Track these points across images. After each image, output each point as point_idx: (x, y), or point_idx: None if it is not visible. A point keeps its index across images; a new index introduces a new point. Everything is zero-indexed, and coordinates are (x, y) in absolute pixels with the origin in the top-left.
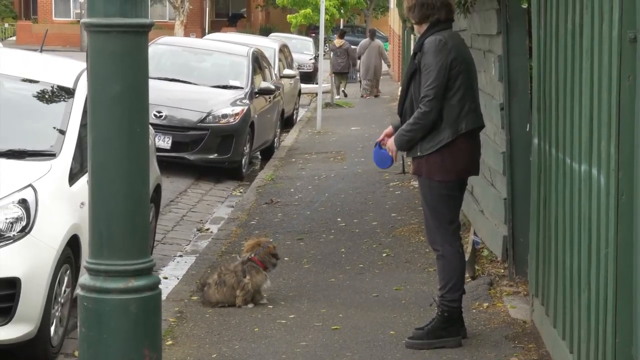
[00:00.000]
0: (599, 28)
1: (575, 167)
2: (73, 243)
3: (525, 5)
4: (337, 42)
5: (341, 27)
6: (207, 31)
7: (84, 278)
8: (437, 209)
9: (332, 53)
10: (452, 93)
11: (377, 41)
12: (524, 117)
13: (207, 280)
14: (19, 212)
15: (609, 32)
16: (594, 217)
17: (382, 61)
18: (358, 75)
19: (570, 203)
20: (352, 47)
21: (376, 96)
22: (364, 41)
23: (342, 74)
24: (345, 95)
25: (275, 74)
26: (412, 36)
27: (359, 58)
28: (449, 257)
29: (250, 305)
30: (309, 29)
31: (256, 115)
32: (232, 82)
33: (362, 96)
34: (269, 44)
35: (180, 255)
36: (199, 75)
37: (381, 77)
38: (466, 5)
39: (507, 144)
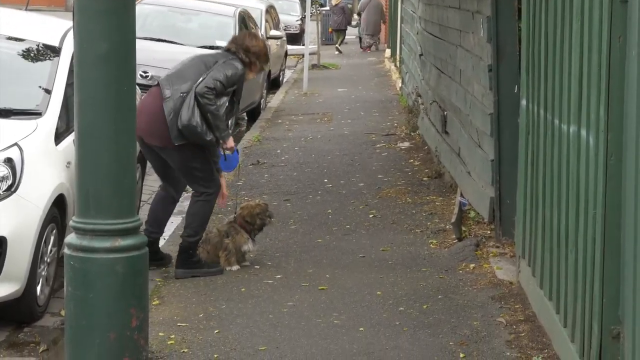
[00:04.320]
0: None
1: (564, 128)
2: (59, 202)
3: None
4: (334, 0)
5: None
6: None
7: (70, 237)
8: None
9: (330, 11)
10: None
11: None
12: (513, 78)
13: None
14: (4, 171)
15: None
16: (583, 178)
17: (382, 18)
18: (358, 31)
19: (559, 164)
20: (348, 5)
21: (376, 49)
22: None
23: (339, 31)
24: (340, 52)
25: (262, 35)
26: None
27: (359, 15)
28: None
29: (235, 268)
30: None
31: None
32: (218, 43)
33: (362, 49)
34: (256, 5)
35: None
36: (185, 35)
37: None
38: None
39: (495, 106)
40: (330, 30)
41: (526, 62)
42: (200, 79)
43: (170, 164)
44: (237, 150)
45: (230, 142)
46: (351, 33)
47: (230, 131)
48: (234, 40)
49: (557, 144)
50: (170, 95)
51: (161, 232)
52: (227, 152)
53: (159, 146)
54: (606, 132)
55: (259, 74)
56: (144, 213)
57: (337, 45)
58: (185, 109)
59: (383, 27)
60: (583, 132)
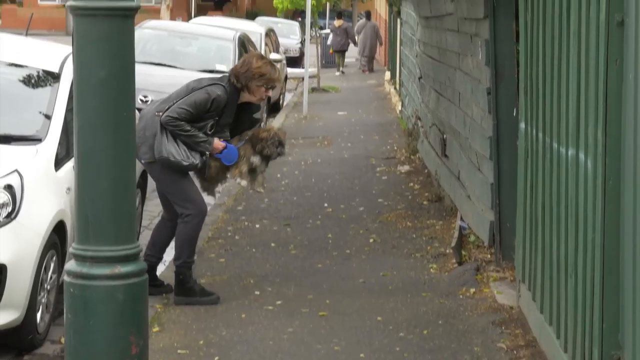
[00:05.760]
0: (587, 11)
1: (563, 152)
2: (59, 229)
3: None
4: (337, 22)
5: (327, 11)
6: (193, 15)
7: (70, 264)
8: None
9: (332, 33)
10: None
11: (373, 22)
12: (511, 101)
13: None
14: (4, 197)
15: (596, 16)
16: (581, 202)
17: (377, 40)
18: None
19: (558, 188)
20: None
21: (371, 71)
22: (361, 21)
23: (341, 52)
24: (343, 73)
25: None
26: (398, 20)
27: (355, 37)
28: None
29: (243, 182)
30: (295, 14)
31: None
32: (218, 67)
33: (361, 70)
34: (255, 29)
35: None
36: (185, 59)
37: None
38: None
39: (494, 129)
40: (331, 51)
41: (524, 85)
42: (171, 104)
43: None
44: (229, 147)
45: (216, 145)
46: (350, 55)
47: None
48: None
49: (556, 167)
50: (144, 113)
51: (159, 256)
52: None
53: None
54: (604, 156)
55: (266, 94)
56: (144, 239)
57: (340, 67)
58: (157, 140)
59: (380, 49)
60: (581, 156)
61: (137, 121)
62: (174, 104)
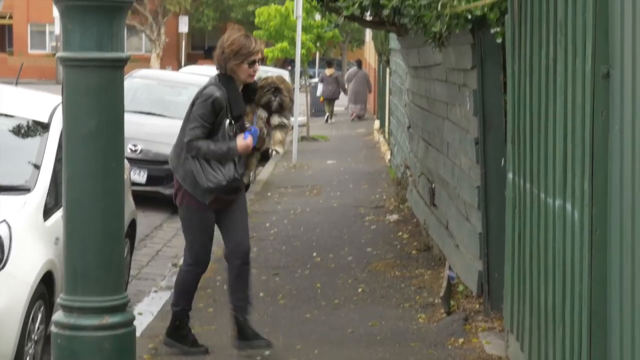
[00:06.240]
0: (573, 63)
1: (550, 202)
2: (47, 279)
3: (499, 40)
4: (328, 71)
5: (317, 60)
6: (183, 64)
7: (57, 315)
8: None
9: (323, 81)
10: None
11: (364, 70)
12: (499, 151)
13: None
14: None
15: (582, 68)
16: (568, 253)
17: (368, 88)
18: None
19: (545, 238)
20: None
21: (360, 118)
22: (352, 70)
23: (331, 100)
24: (332, 122)
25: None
26: (387, 69)
27: (345, 86)
28: None
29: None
30: (285, 62)
31: None
32: None
33: (350, 118)
34: None
35: (155, 291)
36: (174, 108)
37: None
38: (441, 39)
39: (482, 178)
40: (321, 99)
41: (512, 135)
42: (184, 132)
43: None
44: (250, 131)
45: (241, 144)
46: (340, 104)
47: (228, 145)
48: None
49: (543, 217)
50: (171, 160)
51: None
52: (244, 143)
53: None
54: (591, 207)
55: (252, 70)
56: (132, 288)
57: (330, 116)
58: (196, 174)
59: (369, 96)
60: (568, 206)
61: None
62: (186, 129)
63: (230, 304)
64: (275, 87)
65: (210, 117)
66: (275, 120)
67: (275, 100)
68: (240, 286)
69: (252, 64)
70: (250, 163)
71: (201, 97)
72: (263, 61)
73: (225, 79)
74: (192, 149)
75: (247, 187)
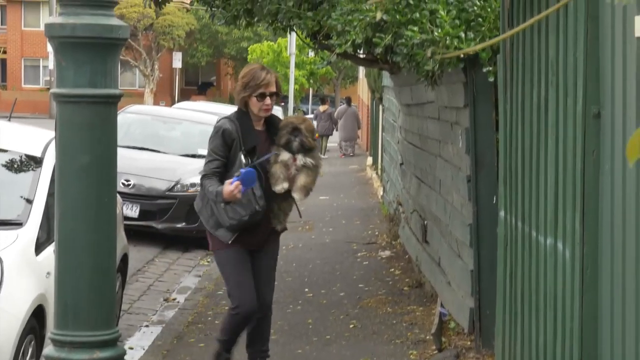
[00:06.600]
0: (564, 103)
1: (541, 241)
2: (38, 313)
3: (492, 79)
4: (322, 107)
5: (310, 96)
6: (176, 99)
7: (48, 349)
8: None
9: (317, 118)
10: None
11: (353, 107)
12: (491, 189)
13: None
14: None
15: (573, 107)
16: (560, 291)
17: (357, 125)
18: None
19: (536, 276)
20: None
21: (352, 155)
22: (342, 107)
23: (326, 136)
24: (323, 157)
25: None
26: (380, 106)
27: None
28: None
29: (285, 186)
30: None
31: None
32: (200, 151)
33: (341, 155)
34: None
35: (147, 326)
36: (167, 144)
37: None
38: (434, 77)
39: (474, 216)
40: (317, 135)
41: (503, 173)
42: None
43: None
44: (244, 170)
45: (225, 190)
46: (333, 140)
47: (219, 188)
48: None
49: (535, 255)
50: (200, 207)
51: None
52: (235, 192)
53: None
54: (582, 245)
55: (263, 105)
56: (123, 323)
57: (323, 152)
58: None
59: (359, 133)
60: (559, 245)
61: (118, 205)
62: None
63: (247, 352)
64: (294, 127)
65: (221, 149)
66: (300, 160)
67: (295, 140)
68: (257, 339)
69: (260, 96)
70: (286, 207)
71: (213, 131)
72: (277, 96)
73: (239, 112)
74: (202, 184)
75: (282, 230)
